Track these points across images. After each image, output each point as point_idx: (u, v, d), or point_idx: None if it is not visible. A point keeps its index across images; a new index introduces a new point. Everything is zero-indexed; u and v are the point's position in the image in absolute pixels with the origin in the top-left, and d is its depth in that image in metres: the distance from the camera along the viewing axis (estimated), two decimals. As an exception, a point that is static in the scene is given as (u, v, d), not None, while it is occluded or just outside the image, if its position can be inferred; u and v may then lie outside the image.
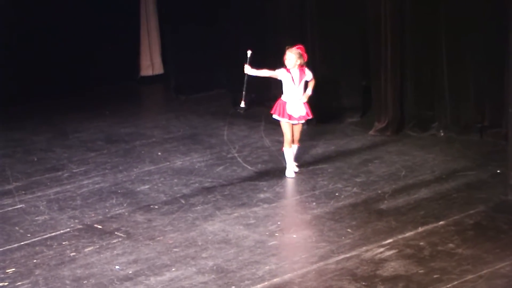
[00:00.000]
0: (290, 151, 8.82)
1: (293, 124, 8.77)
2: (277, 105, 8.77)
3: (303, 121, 8.86)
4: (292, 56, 8.60)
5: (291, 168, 8.83)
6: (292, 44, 8.76)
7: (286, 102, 8.73)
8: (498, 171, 8.69)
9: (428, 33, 9.93)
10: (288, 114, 8.70)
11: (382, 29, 9.98)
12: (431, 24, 9.89)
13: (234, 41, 11.61)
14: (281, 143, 9.69)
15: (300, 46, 8.74)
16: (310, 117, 8.87)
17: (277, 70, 8.71)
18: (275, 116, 8.81)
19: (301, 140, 8.99)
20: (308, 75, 8.75)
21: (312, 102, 8.93)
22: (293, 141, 8.81)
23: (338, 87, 9.66)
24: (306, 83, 8.75)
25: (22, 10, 11.88)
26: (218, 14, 12.00)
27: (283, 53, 8.64)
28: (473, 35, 9.68)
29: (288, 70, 8.65)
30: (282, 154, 8.93)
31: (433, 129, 10.11)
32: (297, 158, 8.98)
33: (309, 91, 8.76)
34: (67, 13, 12.23)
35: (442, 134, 10.04)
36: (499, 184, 8.34)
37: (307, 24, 10.63)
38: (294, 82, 8.64)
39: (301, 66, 8.66)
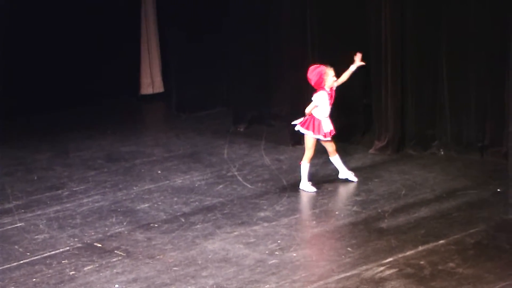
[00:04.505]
0: (308, 166, 8.87)
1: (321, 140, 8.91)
2: (311, 122, 8.83)
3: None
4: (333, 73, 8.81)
5: (307, 182, 8.89)
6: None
7: (321, 120, 8.83)
8: (499, 190, 8.67)
9: (429, 51, 9.94)
10: (325, 132, 8.83)
11: (382, 47, 9.99)
12: (432, 42, 9.90)
13: (236, 59, 11.63)
14: (280, 161, 9.71)
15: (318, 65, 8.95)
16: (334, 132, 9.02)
17: (315, 99, 8.79)
18: (304, 131, 8.86)
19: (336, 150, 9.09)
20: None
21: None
22: (325, 154, 9.03)
23: (339, 106, 9.65)
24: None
25: (22, 25, 11.90)
26: (220, 32, 12.02)
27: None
28: (474, 54, 9.68)
29: (325, 90, 8.80)
30: (299, 167, 8.94)
31: (434, 148, 10.10)
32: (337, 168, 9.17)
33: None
34: (69, 31, 12.26)
35: (442, 153, 10.03)
36: (499, 203, 8.32)
37: (309, 41, 10.63)
38: (331, 101, 8.84)
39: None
